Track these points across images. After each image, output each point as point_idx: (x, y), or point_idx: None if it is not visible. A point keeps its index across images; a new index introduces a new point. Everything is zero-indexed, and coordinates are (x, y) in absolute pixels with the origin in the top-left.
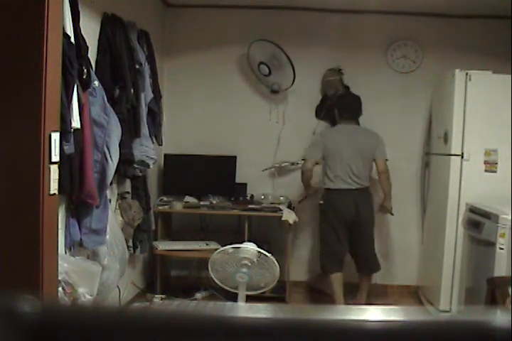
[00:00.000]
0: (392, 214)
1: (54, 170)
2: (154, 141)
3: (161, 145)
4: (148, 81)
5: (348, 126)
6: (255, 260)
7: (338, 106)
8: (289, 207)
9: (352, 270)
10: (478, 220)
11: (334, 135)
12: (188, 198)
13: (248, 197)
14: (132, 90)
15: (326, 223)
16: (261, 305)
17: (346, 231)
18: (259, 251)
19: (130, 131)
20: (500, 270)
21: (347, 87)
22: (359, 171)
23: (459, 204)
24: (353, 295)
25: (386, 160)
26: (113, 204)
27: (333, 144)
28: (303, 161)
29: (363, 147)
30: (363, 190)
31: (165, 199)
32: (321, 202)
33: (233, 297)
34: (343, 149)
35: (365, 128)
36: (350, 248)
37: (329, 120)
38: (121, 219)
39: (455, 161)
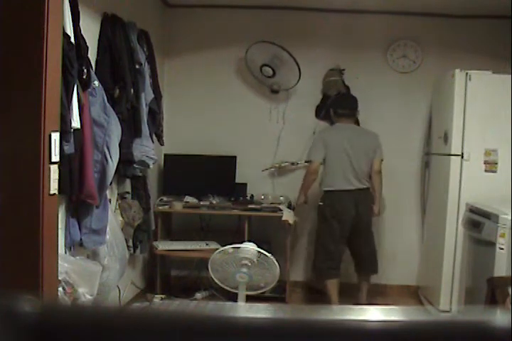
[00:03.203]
0: (377, 214)
1: (54, 170)
2: (155, 140)
3: (162, 145)
4: (148, 81)
5: (346, 125)
6: (255, 260)
7: (335, 105)
8: (289, 207)
9: (350, 270)
10: (478, 220)
11: (335, 134)
12: (188, 198)
13: (248, 197)
14: (132, 90)
15: (325, 226)
16: (261, 305)
17: (346, 233)
18: (259, 251)
19: (130, 131)
20: (500, 270)
21: (347, 88)
22: (361, 171)
23: (459, 204)
24: (353, 295)
25: (382, 160)
26: (113, 204)
27: (334, 144)
28: (308, 163)
29: (363, 147)
30: (363, 190)
31: (165, 199)
32: (321, 203)
33: (233, 297)
34: (344, 149)
35: (364, 128)
36: (350, 249)
37: (329, 120)
38: (121, 219)
39: (455, 161)
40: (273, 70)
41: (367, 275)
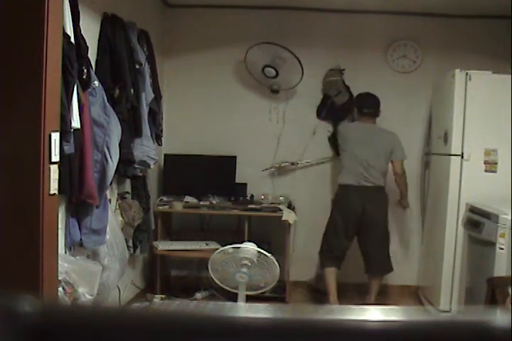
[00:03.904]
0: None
1: (54, 170)
2: (155, 141)
3: (160, 145)
4: (148, 81)
5: (365, 124)
6: (255, 260)
7: (360, 104)
8: (289, 207)
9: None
10: (478, 220)
11: (350, 131)
12: (188, 198)
13: (248, 197)
14: (132, 90)
15: (331, 218)
16: (261, 305)
17: (351, 229)
18: (259, 251)
19: (130, 131)
20: (500, 270)
21: (347, 87)
22: (372, 170)
23: (459, 204)
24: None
25: (403, 160)
26: (113, 204)
27: (347, 140)
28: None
29: (377, 147)
30: (374, 188)
31: (165, 199)
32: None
33: (233, 297)
34: (359, 146)
35: (382, 128)
36: (360, 247)
37: (331, 120)
38: (121, 219)
39: (455, 161)
40: (276, 71)
41: (376, 275)
